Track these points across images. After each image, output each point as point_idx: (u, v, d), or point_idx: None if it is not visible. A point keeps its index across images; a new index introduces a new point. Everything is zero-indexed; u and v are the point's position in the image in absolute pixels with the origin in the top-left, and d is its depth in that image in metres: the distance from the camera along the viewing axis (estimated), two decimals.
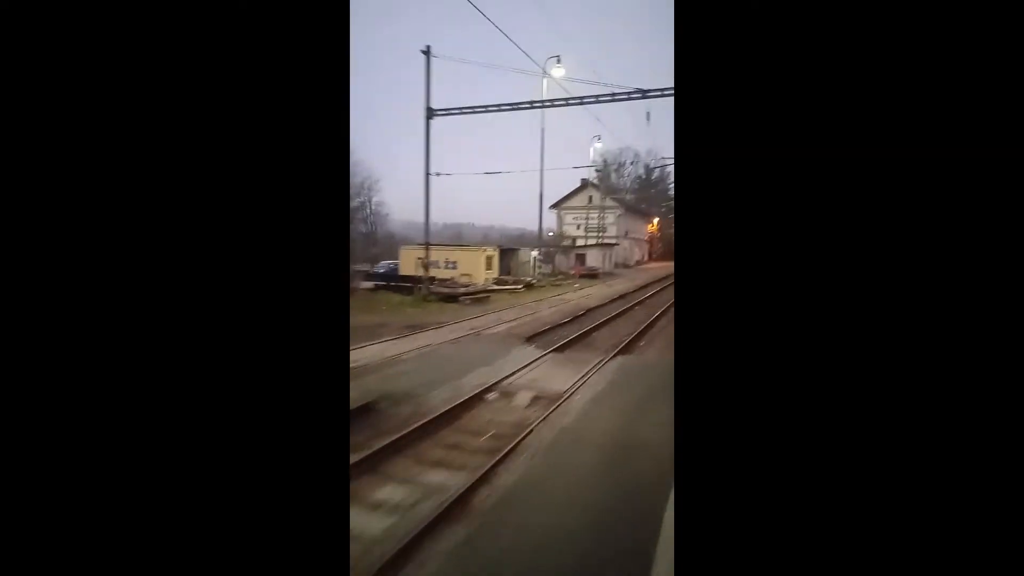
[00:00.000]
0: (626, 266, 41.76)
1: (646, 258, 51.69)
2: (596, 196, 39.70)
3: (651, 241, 55.26)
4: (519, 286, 18.77)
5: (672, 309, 14.50)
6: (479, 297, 15.66)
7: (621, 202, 42.31)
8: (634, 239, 47.34)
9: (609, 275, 30.93)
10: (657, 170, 71.15)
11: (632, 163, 63.68)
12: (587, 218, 38.49)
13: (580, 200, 40.27)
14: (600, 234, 37.83)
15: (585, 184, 38.78)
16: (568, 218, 42.54)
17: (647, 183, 68.84)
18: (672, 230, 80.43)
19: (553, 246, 29.97)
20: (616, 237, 41.25)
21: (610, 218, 41.50)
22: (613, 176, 64.87)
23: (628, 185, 65.18)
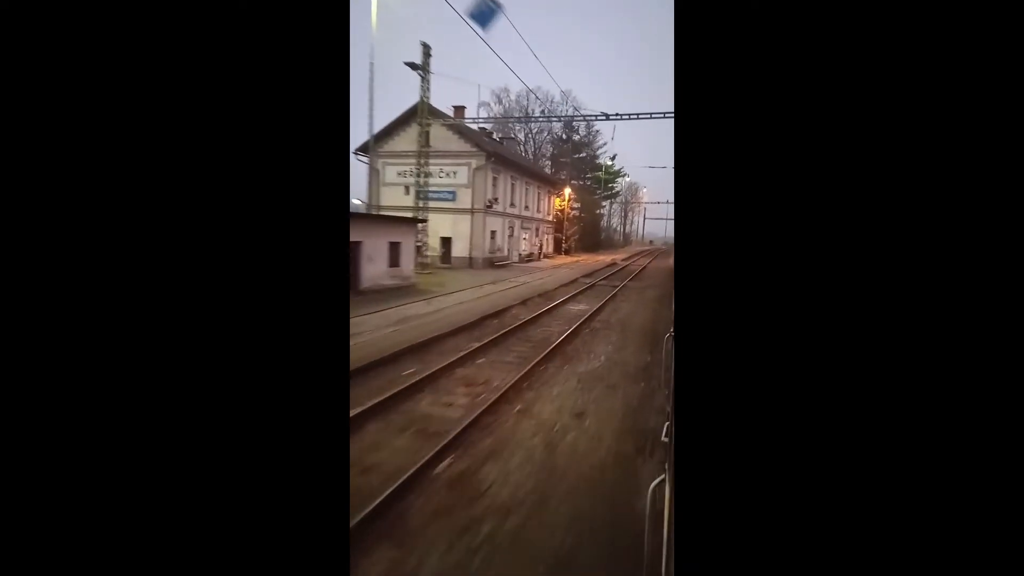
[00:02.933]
0: (496, 264, 23.11)
1: (543, 251, 33.04)
2: (440, 134, 20.63)
3: (560, 224, 36.82)
4: None
5: None
6: None
7: (483, 148, 23.06)
8: (521, 218, 28.42)
9: (391, 292, 12.03)
10: (582, 128, 53.26)
11: (544, 111, 45.31)
12: (419, 173, 19.42)
13: (410, 140, 20.94)
14: (421, 202, 18.87)
15: (419, 111, 19.33)
16: (391, 173, 23.10)
17: (566, 144, 50.87)
18: (603, 210, 63.59)
19: None
20: (472, 209, 22.41)
21: (459, 174, 22.52)
22: (519, 129, 46.19)
23: (540, 143, 46.76)
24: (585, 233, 47.46)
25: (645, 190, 72.14)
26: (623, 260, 33.01)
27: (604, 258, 34.83)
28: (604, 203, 56.82)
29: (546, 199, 33.58)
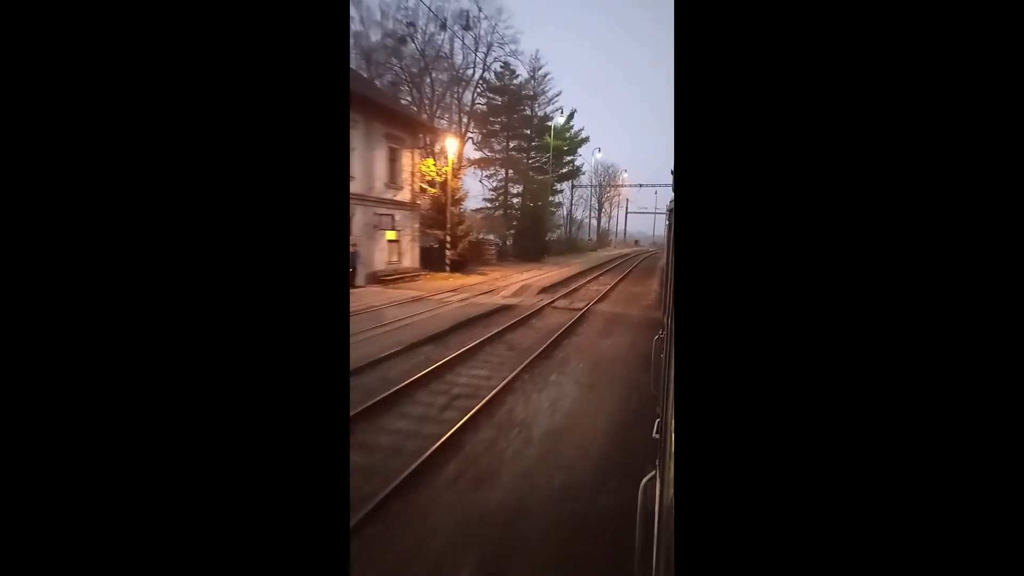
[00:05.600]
0: None
1: (366, 269, 14.76)
2: None
3: (442, 210, 18.74)
4: None
5: None
6: None
7: None
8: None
9: None
10: (521, 69, 35.38)
11: (466, 29, 26.92)
12: None
13: None
14: None
15: None
16: None
17: (503, 94, 33.09)
18: (559, 197, 43.94)
19: None
20: None
21: None
22: (419, 48, 27.98)
23: (442, 86, 28.49)
24: (525, 231, 29.85)
25: (626, 174, 54.29)
26: (545, 289, 15.03)
27: (517, 279, 16.96)
28: (561, 186, 38.83)
29: (384, 155, 15.49)
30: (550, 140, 32.03)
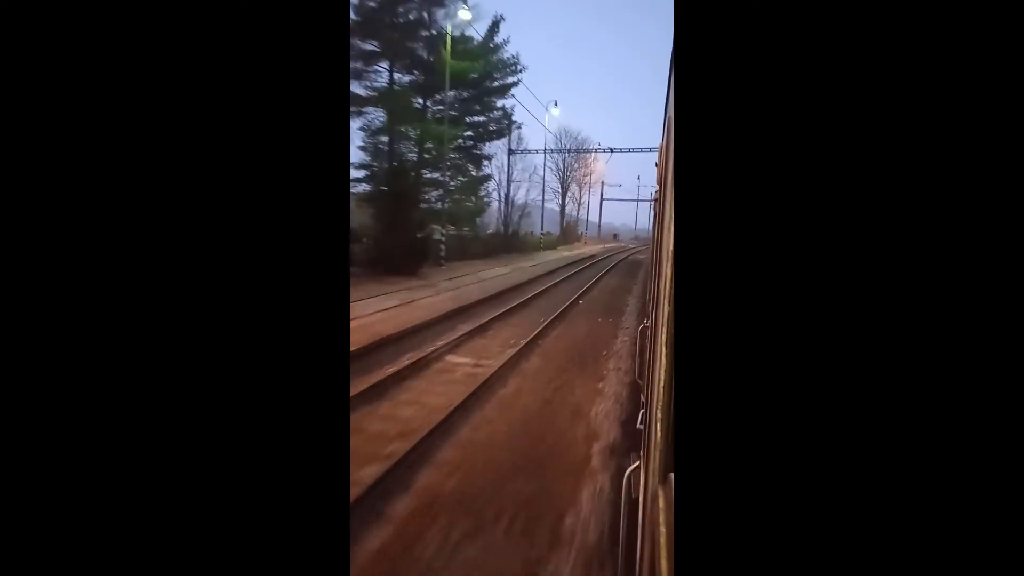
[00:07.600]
0: None
1: None
2: None
3: None
4: None
5: None
6: None
7: None
8: None
9: None
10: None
11: None
12: None
13: None
14: None
15: None
16: None
17: (387, 11, 18.88)
18: (485, 170, 29.28)
19: None
20: None
21: None
22: None
23: None
24: (391, 220, 16.14)
25: (599, 145, 40.18)
26: None
27: None
28: (487, 148, 24.71)
29: None
30: (447, 56, 17.98)
